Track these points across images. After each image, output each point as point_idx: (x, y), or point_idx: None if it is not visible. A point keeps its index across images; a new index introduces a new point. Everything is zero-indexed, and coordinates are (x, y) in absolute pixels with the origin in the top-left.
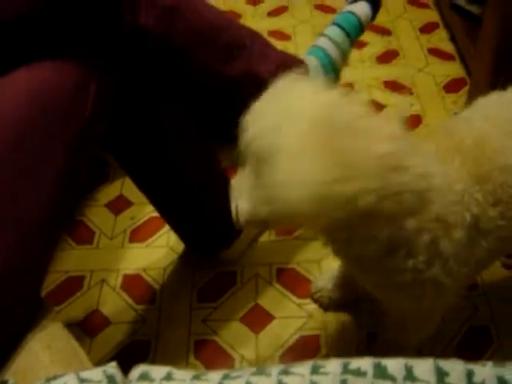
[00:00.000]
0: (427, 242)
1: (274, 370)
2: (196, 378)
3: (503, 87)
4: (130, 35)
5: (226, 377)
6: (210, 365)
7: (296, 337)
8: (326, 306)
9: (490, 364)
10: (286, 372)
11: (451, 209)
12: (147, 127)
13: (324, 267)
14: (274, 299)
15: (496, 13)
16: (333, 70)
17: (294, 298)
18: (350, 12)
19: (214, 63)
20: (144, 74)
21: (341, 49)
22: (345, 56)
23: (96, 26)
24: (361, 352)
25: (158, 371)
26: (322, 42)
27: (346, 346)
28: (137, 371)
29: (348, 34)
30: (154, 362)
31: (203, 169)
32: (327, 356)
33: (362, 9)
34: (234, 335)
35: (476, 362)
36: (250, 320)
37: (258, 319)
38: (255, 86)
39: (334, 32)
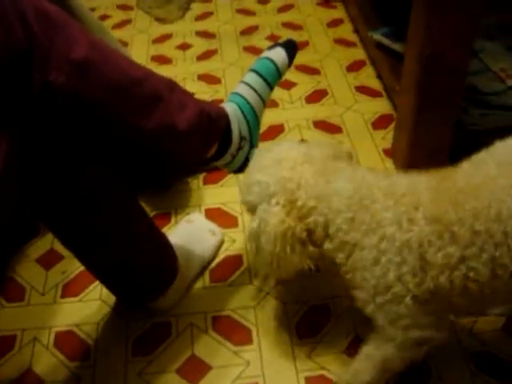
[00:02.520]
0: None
1: None
2: None
3: (428, 123)
4: (41, 94)
5: None
6: None
7: None
8: None
9: None
10: None
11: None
12: (68, 185)
13: (259, 314)
14: (211, 348)
15: (415, 52)
16: (253, 116)
17: (231, 346)
18: (266, 58)
19: (131, 117)
20: (59, 131)
21: (259, 94)
22: (264, 102)
23: (5, 88)
24: None
25: None
26: (241, 88)
27: None
28: None
29: (266, 80)
30: None
31: (128, 222)
32: None
33: (279, 54)
34: None
35: None
36: (187, 371)
37: (195, 369)
38: (174, 137)
39: (252, 78)
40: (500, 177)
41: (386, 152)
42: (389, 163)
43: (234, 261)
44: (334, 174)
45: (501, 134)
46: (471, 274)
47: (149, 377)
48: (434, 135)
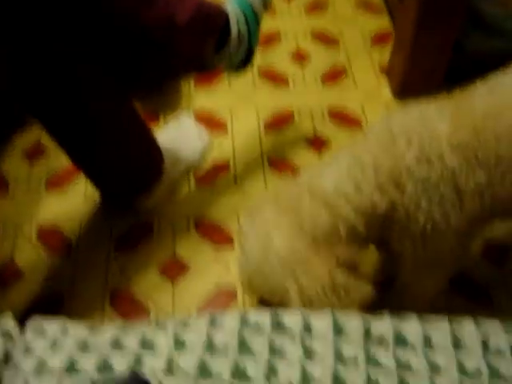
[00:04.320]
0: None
1: (171, 323)
2: (91, 332)
3: (427, 42)
4: None
5: (122, 330)
6: (125, 315)
7: (213, 287)
8: None
9: (387, 318)
10: (183, 326)
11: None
12: (62, 82)
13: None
14: (192, 249)
15: None
16: (253, 17)
17: (212, 248)
18: None
19: (131, 6)
20: (57, 23)
21: None
22: (265, 2)
23: None
24: None
25: (53, 326)
26: None
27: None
28: (32, 326)
29: None
30: (69, 314)
31: (117, 118)
32: (244, 306)
33: None
34: (150, 285)
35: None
36: (167, 269)
37: (175, 269)
38: (172, 28)
39: None
40: None
41: (382, 69)
42: (384, 80)
43: (221, 167)
44: None
45: (499, 58)
46: (497, 197)
47: (130, 273)
48: (432, 55)
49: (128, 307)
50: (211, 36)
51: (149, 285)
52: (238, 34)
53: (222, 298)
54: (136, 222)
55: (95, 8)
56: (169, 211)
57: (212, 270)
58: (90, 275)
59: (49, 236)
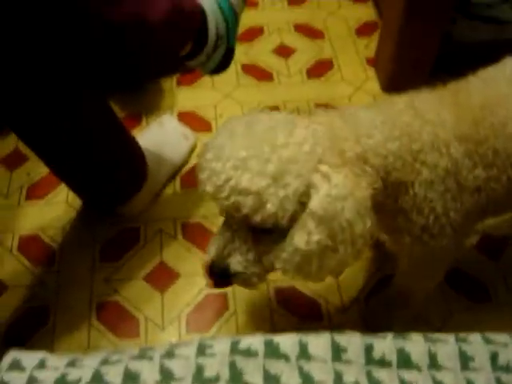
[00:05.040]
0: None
1: (157, 352)
2: (71, 364)
3: (415, 32)
4: None
5: (104, 362)
6: (113, 327)
7: (203, 294)
8: None
9: (389, 336)
10: (169, 355)
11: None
12: (32, 85)
13: None
14: (180, 256)
15: None
16: (232, 14)
17: (200, 254)
18: None
19: (99, 5)
20: (24, 26)
21: None
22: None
23: None
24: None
25: (30, 358)
26: None
27: (253, 302)
28: (8, 359)
29: None
30: (54, 326)
31: (95, 123)
32: (234, 314)
33: None
34: (138, 295)
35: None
36: (155, 278)
37: (163, 277)
38: (143, 30)
39: None
40: None
41: (369, 61)
42: (371, 72)
43: None
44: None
45: (488, 47)
46: (493, 194)
47: (116, 283)
48: (420, 45)
49: (115, 318)
50: (187, 37)
51: (136, 294)
52: (216, 34)
53: (212, 305)
54: (121, 229)
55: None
56: (154, 215)
57: (201, 275)
58: (75, 286)
59: (31, 246)
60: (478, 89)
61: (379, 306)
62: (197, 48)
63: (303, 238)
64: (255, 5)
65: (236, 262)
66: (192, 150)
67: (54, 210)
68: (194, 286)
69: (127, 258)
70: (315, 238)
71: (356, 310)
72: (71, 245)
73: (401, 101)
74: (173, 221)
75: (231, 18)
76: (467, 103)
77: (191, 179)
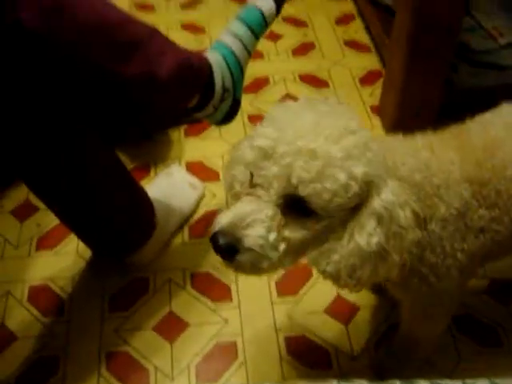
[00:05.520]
0: None
1: None
2: None
3: (417, 80)
4: (12, 33)
5: None
6: (123, 378)
7: (212, 344)
8: None
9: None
10: None
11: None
12: (41, 134)
13: None
14: (189, 305)
15: (408, 6)
16: (237, 68)
17: (209, 303)
18: (253, 6)
19: (107, 62)
20: (30, 76)
21: (245, 45)
22: (249, 52)
23: None
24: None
25: None
26: (226, 37)
27: (263, 352)
28: None
29: (252, 30)
30: (64, 377)
31: (104, 175)
32: (244, 363)
33: (267, 3)
34: (147, 345)
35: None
36: (164, 328)
37: (172, 327)
38: (153, 86)
39: (238, 27)
40: (509, 139)
41: (373, 109)
42: (376, 120)
43: (215, 216)
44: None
45: (490, 93)
46: (496, 236)
47: (125, 333)
48: (423, 92)
49: (125, 369)
50: (195, 91)
51: (146, 344)
52: (222, 87)
53: (222, 354)
54: (130, 279)
55: (63, 63)
56: (163, 265)
57: (210, 325)
58: (85, 336)
59: (40, 296)
60: (478, 132)
61: (388, 354)
62: (204, 100)
63: (364, 238)
64: (261, 56)
65: (255, 236)
66: (200, 200)
67: (63, 260)
68: (203, 335)
69: (136, 308)
70: (375, 239)
71: (366, 358)
72: (81, 295)
73: (419, 138)
74: (182, 270)
75: (237, 71)
76: (469, 146)
77: (200, 229)
